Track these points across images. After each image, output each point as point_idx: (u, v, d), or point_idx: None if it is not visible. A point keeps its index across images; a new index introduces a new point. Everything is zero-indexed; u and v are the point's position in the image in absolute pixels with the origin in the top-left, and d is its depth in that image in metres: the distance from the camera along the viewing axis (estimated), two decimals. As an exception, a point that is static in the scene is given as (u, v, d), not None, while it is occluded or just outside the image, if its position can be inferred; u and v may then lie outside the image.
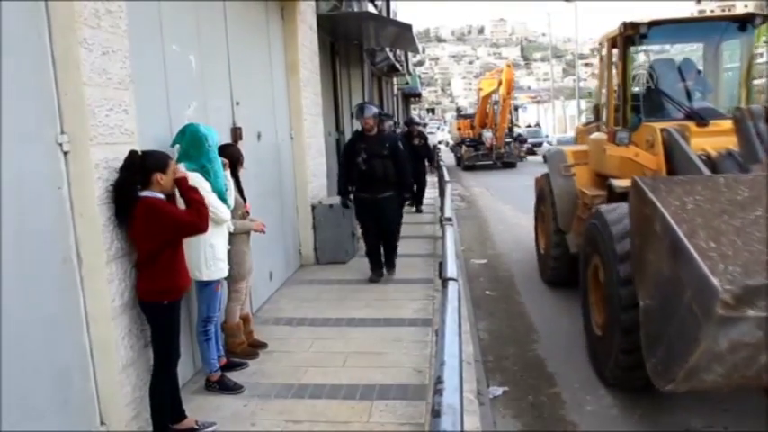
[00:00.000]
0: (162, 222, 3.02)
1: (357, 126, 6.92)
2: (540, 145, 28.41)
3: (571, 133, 32.75)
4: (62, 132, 2.77)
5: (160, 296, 3.08)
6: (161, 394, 3.13)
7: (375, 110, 6.65)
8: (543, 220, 7.31)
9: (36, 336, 2.58)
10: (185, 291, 3.34)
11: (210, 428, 3.36)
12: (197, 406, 3.58)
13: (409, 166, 6.61)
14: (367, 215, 6.42)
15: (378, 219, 6.35)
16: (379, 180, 6.17)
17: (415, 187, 9.22)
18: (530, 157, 26.79)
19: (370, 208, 6.33)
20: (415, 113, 50.16)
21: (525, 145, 26.80)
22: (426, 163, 12.08)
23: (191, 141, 3.60)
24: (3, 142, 2.40)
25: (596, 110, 6.81)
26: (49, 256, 2.71)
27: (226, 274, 3.86)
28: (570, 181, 6.43)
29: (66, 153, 2.79)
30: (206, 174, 3.61)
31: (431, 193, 12.69)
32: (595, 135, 6.37)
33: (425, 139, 11.85)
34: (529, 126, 41.59)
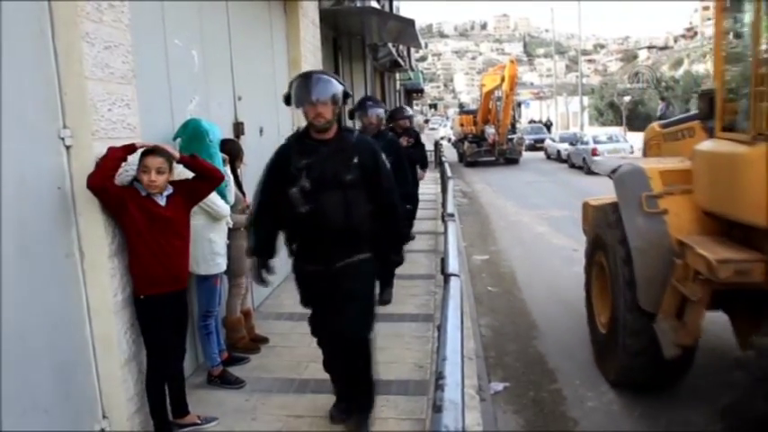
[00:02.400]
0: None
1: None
2: (542, 141, 28.34)
3: (574, 129, 32.74)
4: (64, 127, 2.77)
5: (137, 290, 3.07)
6: (154, 390, 3.12)
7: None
8: (604, 282, 4.63)
9: (39, 330, 2.59)
10: (165, 286, 3.10)
11: (212, 423, 3.37)
12: (199, 400, 3.59)
13: (397, 194, 3.30)
14: (318, 302, 3.25)
15: (336, 313, 3.13)
16: (339, 233, 3.02)
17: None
18: (532, 154, 26.78)
19: (321, 289, 3.16)
20: (417, 108, 50.08)
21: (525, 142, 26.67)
22: (419, 170, 8.10)
23: (192, 135, 3.60)
24: (6, 137, 2.41)
25: (707, 101, 4.02)
26: (52, 251, 2.71)
27: (223, 269, 3.86)
28: (659, 224, 3.86)
29: (68, 147, 2.79)
30: None
31: (431, 189, 12.67)
32: (710, 145, 3.85)
33: (417, 137, 8.34)
34: (532, 122, 41.52)
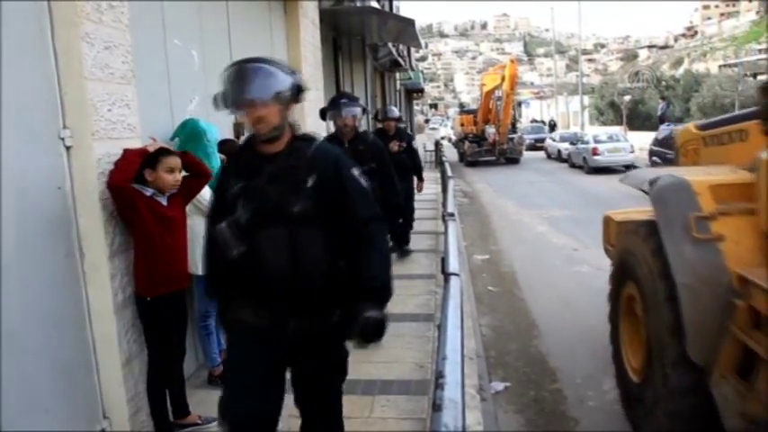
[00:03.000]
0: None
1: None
2: (542, 141, 28.34)
3: (574, 128, 32.68)
4: (64, 127, 2.77)
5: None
6: (155, 390, 3.13)
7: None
8: (635, 318, 3.76)
9: (39, 330, 2.59)
10: (171, 286, 3.10)
11: (213, 423, 3.37)
12: (199, 400, 3.59)
13: (382, 224, 2.34)
14: (251, 375, 2.28)
15: (276, 398, 2.41)
16: (284, 288, 2.20)
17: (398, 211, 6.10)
18: (532, 153, 26.79)
19: (263, 355, 2.27)
20: (417, 108, 50.07)
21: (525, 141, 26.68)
22: (416, 181, 7.51)
23: (189, 135, 3.61)
24: (6, 137, 2.41)
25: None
26: (52, 251, 2.72)
27: None
28: (712, 254, 3.00)
29: (68, 148, 2.79)
30: None
31: (432, 189, 12.67)
32: None
33: (410, 141, 7.36)
34: (534, 121, 41.51)
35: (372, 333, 2.12)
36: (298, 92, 2.23)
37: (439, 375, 1.71)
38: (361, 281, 2.19)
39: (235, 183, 2.24)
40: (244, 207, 2.18)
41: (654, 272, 3.30)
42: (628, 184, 4.05)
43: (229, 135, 4.64)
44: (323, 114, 4.88)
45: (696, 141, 4.44)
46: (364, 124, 10.39)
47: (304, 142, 2.28)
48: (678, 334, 3.02)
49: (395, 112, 7.47)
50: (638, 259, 3.56)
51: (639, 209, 4.20)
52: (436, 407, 1.49)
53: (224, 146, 4.02)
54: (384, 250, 2.33)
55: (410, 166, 7.21)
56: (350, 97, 4.74)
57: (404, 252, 7.20)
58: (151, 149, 3.03)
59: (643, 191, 3.62)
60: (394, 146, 6.72)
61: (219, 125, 3.97)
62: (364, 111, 4.41)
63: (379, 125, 7.35)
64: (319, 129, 6.88)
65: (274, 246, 2.16)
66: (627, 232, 3.90)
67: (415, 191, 7.59)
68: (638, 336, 3.70)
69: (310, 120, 7.22)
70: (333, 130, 4.81)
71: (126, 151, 2.95)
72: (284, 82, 2.19)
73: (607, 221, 4.86)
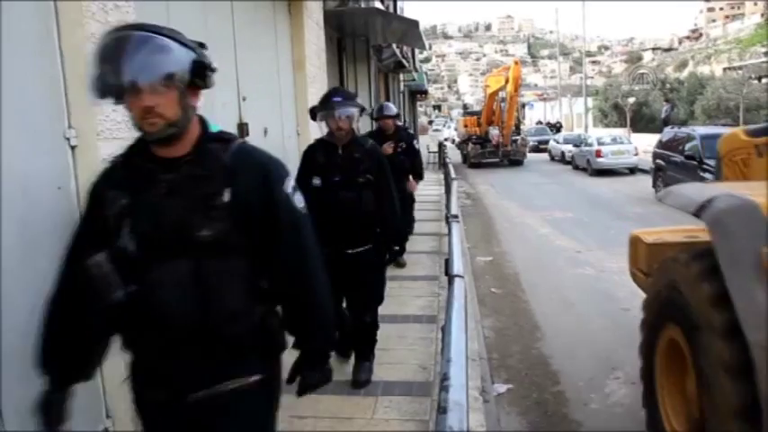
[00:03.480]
0: None
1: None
2: (546, 142, 28.32)
3: (578, 131, 32.63)
4: (70, 127, 2.78)
5: None
6: None
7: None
8: (677, 368, 3.03)
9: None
10: None
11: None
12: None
13: (322, 283, 1.79)
14: None
15: None
16: (189, 341, 1.62)
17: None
18: (536, 155, 26.78)
19: None
20: (421, 110, 50.07)
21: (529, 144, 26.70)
22: (411, 180, 6.95)
23: None
24: (11, 137, 2.41)
25: None
26: (55, 251, 2.72)
27: None
28: None
29: (73, 148, 2.79)
30: None
31: (435, 190, 12.68)
32: None
33: (410, 142, 6.85)
34: (540, 123, 41.49)
35: (314, 388, 1.80)
36: (203, 72, 1.65)
37: (444, 378, 1.71)
38: (296, 340, 1.79)
39: (116, 199, 1.59)
40: (131, 232, 1.57)
41: (711, 322, 2.50)
42: (670, 205, 3.23)
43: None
44: (313, 114, 3.98)
45: (746, 150, 3.78)
46: (366, 125, 10.28)
47: (219, 144, 1.70)
48: (753, 412, 2.22)
49: (392, 108, 6.85)
50: (685, 299, 2.79)
51: (672, 228, 3.73)
52: (441, 409, 1.49)
53: None
54: (323, 298, 1.77)
55: (408, 169, 6.65)
56: (345, 94, 3.84)
57: (399, 263, 6.78)
58: None
59: (695, 215, 2.81)
60: (388, 148, 6.03)
61: (223, 125, 3.97)
62: (362, 110, 3.80)
63: (378, 124, 6.79)
64: (323, 125, 6.67)
65: (174, 285, 1.55)
66: (669, 263, 3.09)
67: (414, 192, 7.11)
68: (681, 390, 2.94)
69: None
70: (325, 132, 3.98)
71: None
72: (181, 58, 1.56)
73: (635, 243, 4.11)
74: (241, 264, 1.61)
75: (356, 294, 3.82)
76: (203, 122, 1.74)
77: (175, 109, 1.56)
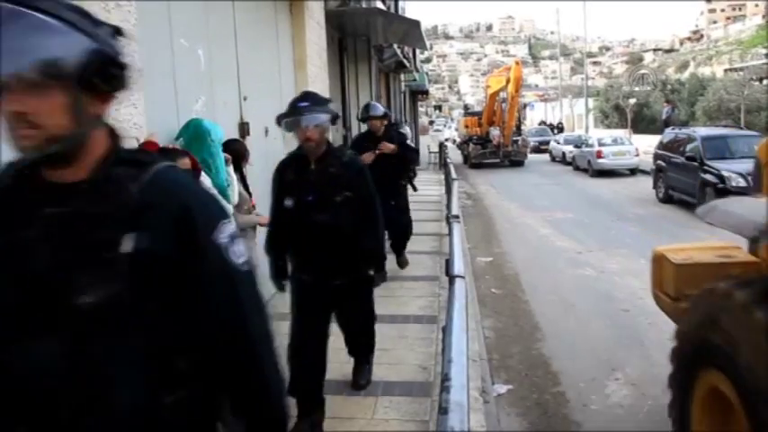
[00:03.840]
0: None
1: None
2: (547, 143, 28.33)
3: (579, 131, 32.60)
4: (71, 126, 2.78)
5: None
6: None
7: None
8: (716, 413, 2.61)
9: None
10: None
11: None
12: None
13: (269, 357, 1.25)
14: None
15: None
16: None
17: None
18: (537, 156, 26.79)
19: None
20: (422, 110, 50.09)
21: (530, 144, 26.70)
22: (407, 183, 6.83)
23: (194, 135, 3.62)
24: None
25: None
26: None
27: None
28: None
29: None
30: (206, 168, 3.62)
31: (436, 190, 12.67)
32: None
33: (402, 142, 6.38)
34: (542, 123, 41.49)
35: None
36: (104, 68, 1.09)
37: (445, 378, 1.71)
38: None
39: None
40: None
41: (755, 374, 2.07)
42: (715, 224, 2.82)
43: (234, 135, 4.65)
44: (279, 120, 3.22)
45: None
46: (354, 128, 10.09)
47: (130, 168, 1.14)
48: None
49: (378, 108, 6.31)
50: (730, 337, 2.33)
51: (699, 245, 3.28)
52: (442, 410, 1.49)
53: (230, 146, 4.03)
54: (270, 378, 1.26)
55: (400, 169, 6.26)
56: (314, 99, 3.22)
57: (399, 262, 6.73)
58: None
59: (749, 240, 2.33)
60: (368, 158, 5.37)
61: (224, 125, 3.98)
62: (335, 118, 3.21)
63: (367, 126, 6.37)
64: (336, 142, 5.71)
65: (43, 370, 1.07)
66: (709, 294, 2.57)
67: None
68: None
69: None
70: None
71: (145, 142, 3.00)
72: (70, 45, 1.05)
73: (660, 262, 3.52)
74: (136, 341, 1.09)
75: (344, 321, 3.56)
76: (114, 137, 1.17)
77: (60, 117, 1.04)
